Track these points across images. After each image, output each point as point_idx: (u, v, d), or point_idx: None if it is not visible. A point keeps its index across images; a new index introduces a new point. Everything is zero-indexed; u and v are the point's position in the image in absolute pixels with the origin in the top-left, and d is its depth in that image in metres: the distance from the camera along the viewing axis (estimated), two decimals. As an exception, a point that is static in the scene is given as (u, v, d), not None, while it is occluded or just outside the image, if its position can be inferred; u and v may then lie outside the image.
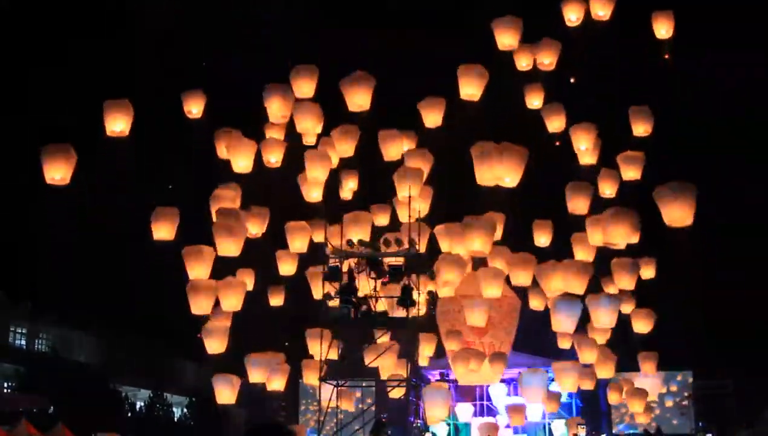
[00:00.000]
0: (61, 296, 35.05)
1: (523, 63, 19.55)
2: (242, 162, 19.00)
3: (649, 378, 28.08)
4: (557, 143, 19.54)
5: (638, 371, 23.95)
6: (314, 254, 20.40)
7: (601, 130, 19.56)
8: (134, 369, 40.59)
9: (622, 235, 17.52)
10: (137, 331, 39.01)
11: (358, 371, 21.02)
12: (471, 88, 18.94)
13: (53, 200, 17.19)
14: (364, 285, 18.93)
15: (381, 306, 19.19)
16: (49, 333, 40.95)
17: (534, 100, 19.75)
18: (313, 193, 20.04)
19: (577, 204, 19.05)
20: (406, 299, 18.59)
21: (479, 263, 20.77)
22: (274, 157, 19.44)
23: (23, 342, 40.47)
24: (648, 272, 21.34)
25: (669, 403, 32.50)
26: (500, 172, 17.48)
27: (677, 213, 15.95)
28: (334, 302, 18.93)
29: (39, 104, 26.24)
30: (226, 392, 18.70)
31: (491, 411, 30.27)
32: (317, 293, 19.76)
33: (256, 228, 19.81)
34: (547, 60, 19.25)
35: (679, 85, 21.78)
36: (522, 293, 23.56)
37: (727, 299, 31.30)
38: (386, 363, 20.44)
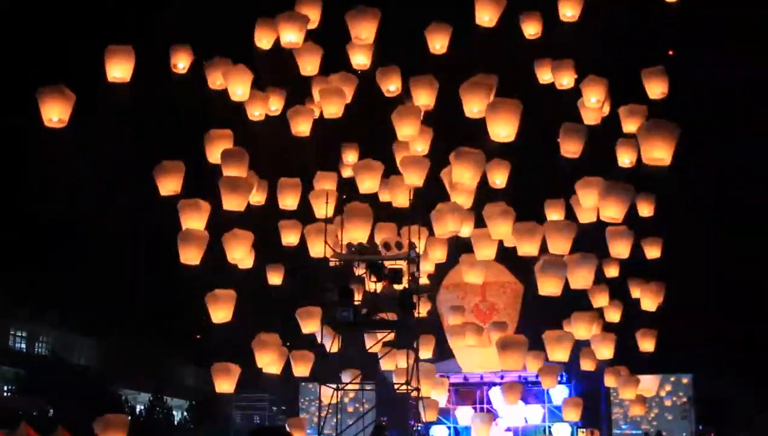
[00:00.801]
0: (61, 296, 35.06)
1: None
2: (240, 89, 18.29)
3: (648, 378, 28.15)
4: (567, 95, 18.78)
5: (641, 372, 23.86)
6: (308, 211, 19.80)
7: (612, 89, 18.72)
8: (134, 372, 40.61)
9: (616, 210, 17.13)
10: (137, 333, 39.01)
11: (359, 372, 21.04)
12: (487, 13, 17.77)
13: (53, 143, 16.77)
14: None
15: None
16: (49, 336, 40.99)
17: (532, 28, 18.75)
18: (300, 127, 19.21)
19: (571, 146, 18.14)
20: (405, 302, 18.56)
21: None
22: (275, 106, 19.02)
23: (23, 345, 40.50)
24: (653, 251, 20.96)
25: (668, 402, 32.44)
26: (496, 128, 16.80)
27: (658, 151, 15.64)
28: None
29: (39, 52, 25.68)
30: (225, 382, 18.49)
31: (491, 414, 30.22)
32: (315, 251, 19.24)
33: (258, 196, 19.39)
34: (570, 12, 18.22)
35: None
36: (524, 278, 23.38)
37: (731, 299, 31.31)
38: (387, 366, 20.40)
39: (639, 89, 18.06)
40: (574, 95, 18.65)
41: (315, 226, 19.45)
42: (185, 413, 43.75)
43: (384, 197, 19.72)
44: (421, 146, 19.00)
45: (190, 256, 17.00)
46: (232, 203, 17.55)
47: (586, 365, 21.88)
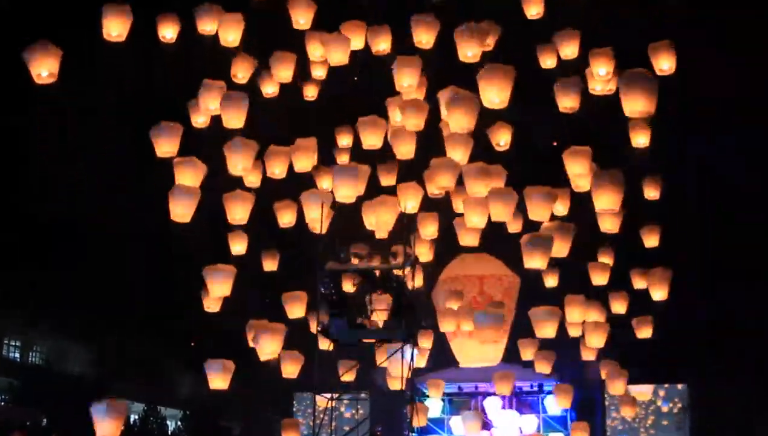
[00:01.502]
0: (61, 297, 34.91)
1: None
2: (231, 36, 17.87)
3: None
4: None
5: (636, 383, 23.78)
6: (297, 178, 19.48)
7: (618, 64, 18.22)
8: (129, 382, 40.52)
9: (609, 200, 16.82)
10: (136, 333, 38.91)
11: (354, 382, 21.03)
12: None
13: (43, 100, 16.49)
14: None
15: (377, 317, 19.14)
16: (43, 345, 40.89)
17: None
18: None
19: (567, 101, 17.65)
20: (400, 311, 18.58)
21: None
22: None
23: (17, 355, 40.41)
24: (651, 239, 20.62)
25: (665, 408, 32.43)
26: (489, 94, 16.34)
27: (639, 103, 15.41)
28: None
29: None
30: (218, 379, 18.31)
31: (486, 425, 30.22)
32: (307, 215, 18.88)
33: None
34: None
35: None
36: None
37: (726, 309, 31.29)
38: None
39: (646, 64, 17.57)
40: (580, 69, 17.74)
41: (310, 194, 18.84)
42: (179, 423, 43.64)
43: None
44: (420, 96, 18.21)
45: (181, 212, 16.55)
46: (236, 164, 17.13)
47: (587, 354, 21.33)
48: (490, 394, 30.39)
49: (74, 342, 40.73)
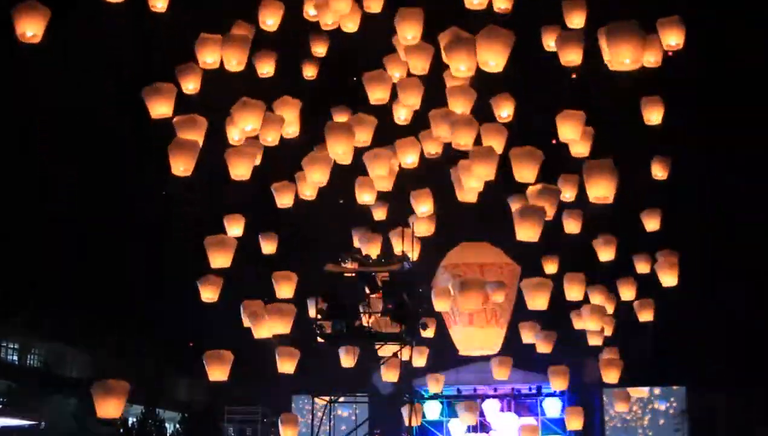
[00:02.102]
0: (61, 297, 34.80)
1: None
2: None
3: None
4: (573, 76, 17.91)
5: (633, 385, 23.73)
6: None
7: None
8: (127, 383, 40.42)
9: (603, 188, 16.63)
10: (131, 343, 38.86)
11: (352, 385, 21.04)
12: None
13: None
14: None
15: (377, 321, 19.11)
16: (41, 348, 40.86)
17: None
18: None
19: (570, 55, 17.13)
20: (399, 314, 18.58)
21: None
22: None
23: (15, 357, 40.39)
24: (652, 223, 20.29)
25: (661, 407, 32.40)
26: (485, 56, 15.98)
27: (623, 53, 15.10)
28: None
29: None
30: (218, 370, 18.22)
31: (485, 427, 30.24)
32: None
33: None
34: None
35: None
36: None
37: (726, 310, 31.23)
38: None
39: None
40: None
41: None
42: (177, 426, 43.61)
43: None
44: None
45: (182, 165, 16.12)
46: (246, 119, 16.71)
47: (594, 340, 21.11)
48: (489, 396, 30.45)
49: (73, 345, 40.71)
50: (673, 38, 16.72)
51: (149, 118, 16.48)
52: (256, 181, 17.99)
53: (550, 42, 17.57)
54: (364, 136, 17.56)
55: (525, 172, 16.72)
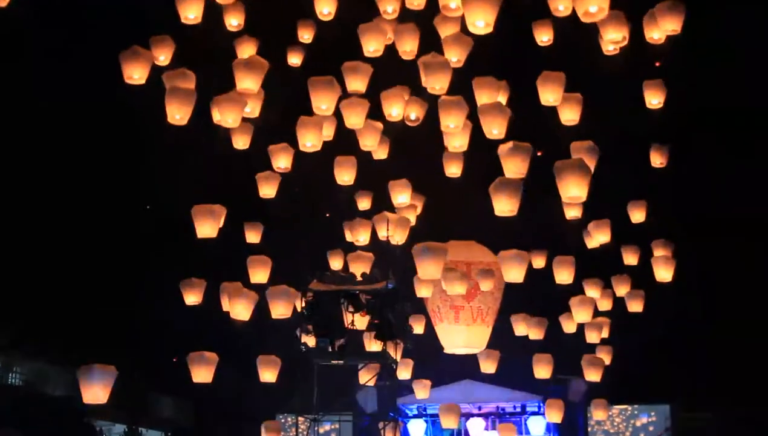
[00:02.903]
0: (45, 319, 34.53)
1: None
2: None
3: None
4: None
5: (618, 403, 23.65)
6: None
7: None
8: (109, 403, 40.15)
9: (575, 189, 16.23)
10: (113, 362, 38.55)
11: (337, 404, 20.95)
12: None
13: None
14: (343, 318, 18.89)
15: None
16: (23, 367, 40.52)
17: None
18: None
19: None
20: (384, 332, 18.57)
21: None
22: None
23: (-5, 377, 40.04)
24: (638, 214, 20.21)
25: (643, 420, 32.35)
26: (473, 17, 15.45)
27: (614, 33, 14.88)
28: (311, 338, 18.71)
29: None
30: (202, 371, 17.95)
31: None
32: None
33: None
34: None
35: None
36: None
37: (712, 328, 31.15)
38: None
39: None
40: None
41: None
42: (161, 445, 43.33)
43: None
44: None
45: (177, 112, 15.74)
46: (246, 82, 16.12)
47: (569, 326, 20.98)
48: (472, 415, 30.43)
49: (55, 364, 40.44)
50: (670, 25, 16.15)
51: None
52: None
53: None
54: (357, 84, 16.71)
55: (493, 127, 16.22)
